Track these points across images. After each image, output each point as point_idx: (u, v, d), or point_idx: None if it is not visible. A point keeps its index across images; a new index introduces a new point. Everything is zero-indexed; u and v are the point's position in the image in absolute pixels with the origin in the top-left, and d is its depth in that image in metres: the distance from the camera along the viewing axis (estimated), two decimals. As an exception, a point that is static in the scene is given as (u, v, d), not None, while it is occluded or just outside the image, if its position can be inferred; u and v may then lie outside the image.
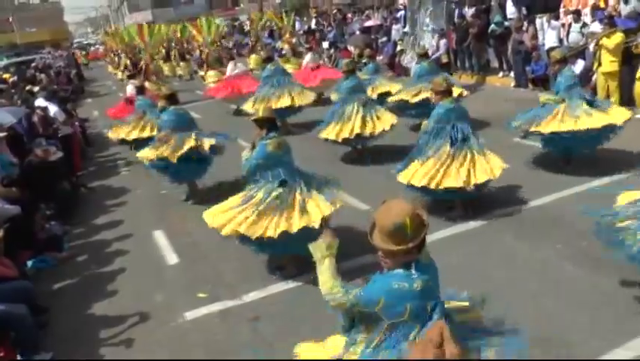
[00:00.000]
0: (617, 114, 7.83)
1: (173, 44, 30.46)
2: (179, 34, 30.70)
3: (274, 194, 5.78)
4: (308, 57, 16.37)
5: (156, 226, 8.21)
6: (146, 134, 11.34)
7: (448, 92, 6.98)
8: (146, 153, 8.68)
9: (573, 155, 8.19)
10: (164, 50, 28.88)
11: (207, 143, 8.49)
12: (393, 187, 6.98)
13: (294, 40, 22.53)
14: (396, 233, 2.81)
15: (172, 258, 7.16)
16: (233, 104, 15.64)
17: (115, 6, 73.90)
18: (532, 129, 8.01)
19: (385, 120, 9.65)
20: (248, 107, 12.65)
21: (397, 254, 2.87)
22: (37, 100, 12.53)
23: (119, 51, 26.91)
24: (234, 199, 6.07)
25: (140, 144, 10.57)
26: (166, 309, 5.92)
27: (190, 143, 8.30)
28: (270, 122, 6.04)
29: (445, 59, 16.16)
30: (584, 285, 5.34)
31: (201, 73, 21.55)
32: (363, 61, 14.25)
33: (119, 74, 23.35)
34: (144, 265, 7.10)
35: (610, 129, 7.77)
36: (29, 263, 7.14)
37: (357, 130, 9.31)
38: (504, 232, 6.58)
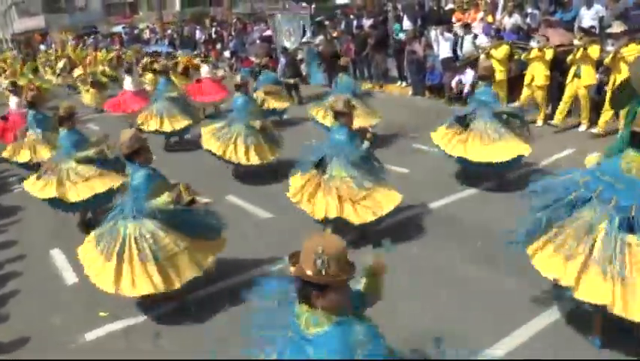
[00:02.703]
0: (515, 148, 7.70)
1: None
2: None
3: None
4: (205, 69, 15.74)
5: (53, 245, 7.87)
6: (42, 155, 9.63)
7: (347, 115, 6.51)
8: (33, 189, 7.75)
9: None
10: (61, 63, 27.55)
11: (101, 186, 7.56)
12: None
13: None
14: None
15: (70, 277, 6.89)
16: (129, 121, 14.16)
17: (1, 9, 69.47)
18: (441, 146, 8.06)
19: (263, 153, 9.14)
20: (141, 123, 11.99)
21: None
22: None
23: None
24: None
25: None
26: (65, 330, 5.72)
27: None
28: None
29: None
30: (478, 282, 5.70)
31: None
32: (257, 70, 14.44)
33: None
34: (40, 286, 6.80)
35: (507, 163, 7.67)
36: None
37: (235, 157, 9.00)
38: (402, 235, 6.85)
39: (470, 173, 8.36)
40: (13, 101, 12.18)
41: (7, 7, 66.22)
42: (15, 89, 12.47)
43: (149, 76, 17.15)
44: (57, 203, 7.71)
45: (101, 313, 5.84)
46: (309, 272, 2.65)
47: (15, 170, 11.90)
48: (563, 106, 10.77)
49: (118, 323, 5.67)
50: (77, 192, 7.51)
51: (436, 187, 8.26)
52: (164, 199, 5.31)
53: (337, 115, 6.58)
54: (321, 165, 6.60)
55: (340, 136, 6.53)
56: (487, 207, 7.51)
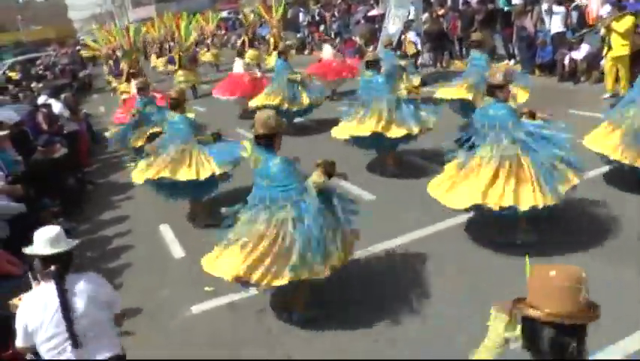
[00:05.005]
0: None
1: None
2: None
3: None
4: (327, 49, 15.88)
5: (162, 221, 8.21)
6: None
7: (500, 88, 5.82)
8: (139, 175, 7.62)
9: None
10: (158, 46, 28.79)
11: (208, 169, 7.29)
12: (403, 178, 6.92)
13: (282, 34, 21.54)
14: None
15: (178, 252, 7.15)
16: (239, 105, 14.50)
17: (118, 2, 73.85)
18: None
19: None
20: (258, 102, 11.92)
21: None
22: (41, 97, 12.53)
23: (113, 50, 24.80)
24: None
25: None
26: (173, 303, 5.93)
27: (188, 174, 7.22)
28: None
29: (412, 50, 15.94)
30: (595, 277, 5.26)
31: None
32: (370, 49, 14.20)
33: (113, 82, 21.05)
34: (151, 259, 7.10)
35: None
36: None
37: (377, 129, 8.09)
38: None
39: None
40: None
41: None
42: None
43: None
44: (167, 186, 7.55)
45: (207, 288, 5.96)
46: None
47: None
48: None
49: (223, 298, 5.77)
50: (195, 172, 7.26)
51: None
52: (316, 179, 4.86)
53: (494, 89, 5.88)
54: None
55: (500, 111, 5.81)
56: (593, 196, 6.91)
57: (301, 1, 34.78)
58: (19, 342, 3.41)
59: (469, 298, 5.16)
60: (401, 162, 8.88)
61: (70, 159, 9.88)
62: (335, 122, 9.15)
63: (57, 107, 11.89)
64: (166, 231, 7.87)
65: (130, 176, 10.07)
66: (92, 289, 3.42)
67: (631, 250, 5.57)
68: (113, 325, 3.61)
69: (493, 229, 6.10)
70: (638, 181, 6.75)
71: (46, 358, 3.35)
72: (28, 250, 3.44)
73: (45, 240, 3.37)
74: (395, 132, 8.07)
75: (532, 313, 2.13)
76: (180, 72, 18.64)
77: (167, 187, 7.48)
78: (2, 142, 8.21)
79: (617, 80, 11.12)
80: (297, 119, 12.29)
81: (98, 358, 3.39)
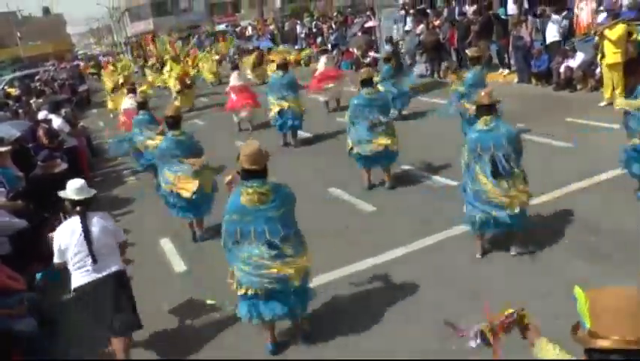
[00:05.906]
0: None
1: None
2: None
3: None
4: (323, 60, 15.45)
5: (163, 235, 8.22)
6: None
7: (488, 108, 5.89)
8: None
9: None
10: (157, 63, 28.78)
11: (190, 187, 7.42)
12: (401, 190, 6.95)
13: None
14: None
15: (179, 266, 7.17)
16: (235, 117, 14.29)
17: (116, 17, 74.19)
18: None
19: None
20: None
21: None
22: (41, 113, 12.57)
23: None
24: None
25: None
26: (174, 316, 5.94)
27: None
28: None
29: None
30: (593, 281, 5.29)
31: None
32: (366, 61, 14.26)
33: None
34: (152, 273, 7.10)
35: None
36: (38, 276, 7.15)
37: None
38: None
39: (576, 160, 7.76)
40: (129, 101, 12.74)
41: (121, 14, 70.52)
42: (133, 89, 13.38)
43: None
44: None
45: (209, 301, 5.99)
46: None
47: (128, 163, 12.58)
48: None
49: (225, 311, 5.78)
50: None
51: (546, 179, 7.73)
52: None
53: (489, 108, 5.90)
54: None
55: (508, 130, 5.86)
56: (595, 202, 6.96)
57: (296, 14, 35.09)
58: (56, 258, 4.90)
59: (469, 308, 5.17)
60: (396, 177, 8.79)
61: (71, 174, 9.89)
62: (334, 134, 9.19)
63: (57, 122, 11.93)
64: (166, 244, 7.89)
65: (130, 190, 10.16)
66: (103, 223, 4.95)
67: (632, 258, 5.59)
68: (118, 249, 5.08)
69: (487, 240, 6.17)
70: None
71: (73, 270, 4.84)
72: (62, 194, 4.94)
73: (74, 189, 4.89)
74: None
75: (602, 343, 2.07)
76: (178, 97, 18.43)
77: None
78: (3, 158, 8.22)
79: (614, 87, 11.20)
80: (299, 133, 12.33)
81: (109, 270, 4.88)
